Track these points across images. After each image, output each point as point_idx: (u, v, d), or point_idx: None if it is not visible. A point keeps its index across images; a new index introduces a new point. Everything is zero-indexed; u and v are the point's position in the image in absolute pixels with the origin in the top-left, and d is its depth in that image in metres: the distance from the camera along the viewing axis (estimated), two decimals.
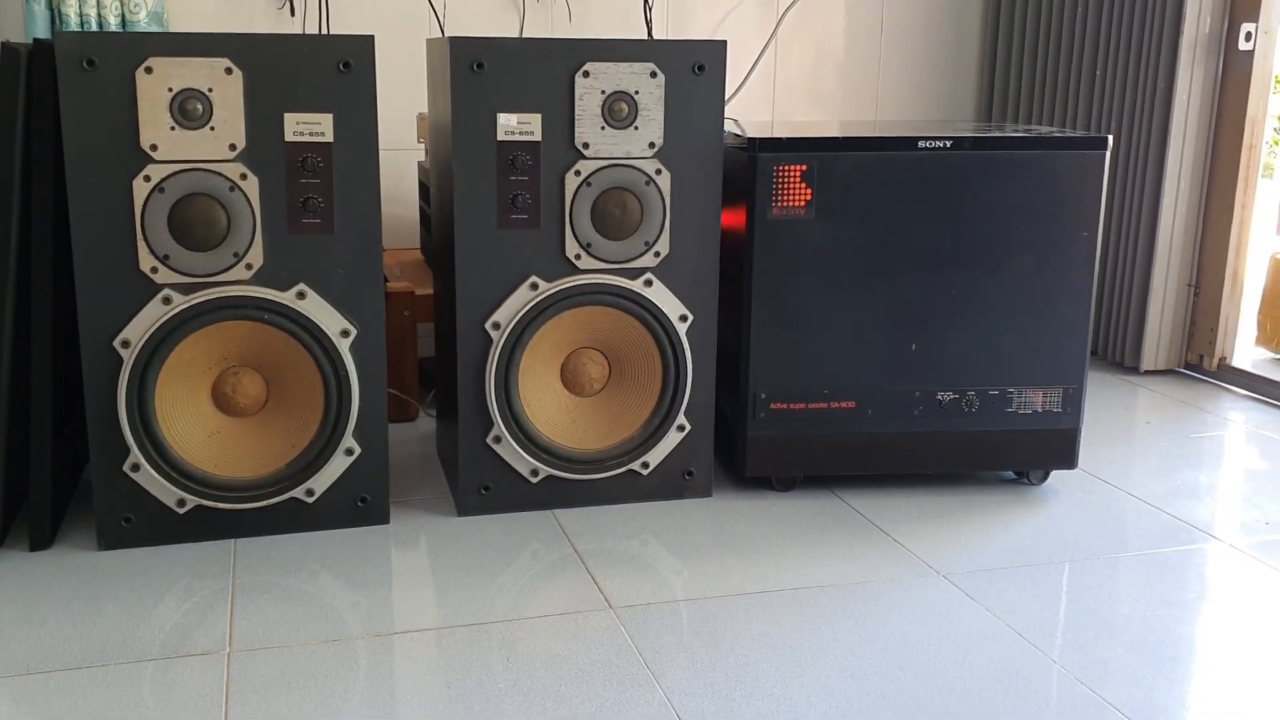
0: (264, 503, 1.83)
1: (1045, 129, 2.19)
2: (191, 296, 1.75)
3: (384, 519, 1.92)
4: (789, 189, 1.93)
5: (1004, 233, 1.99)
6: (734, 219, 2.00)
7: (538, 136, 1.85)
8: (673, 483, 2.04)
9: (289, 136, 1.75)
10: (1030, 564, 1.82)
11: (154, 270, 1.73)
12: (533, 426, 1.95)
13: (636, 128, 1.87)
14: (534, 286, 1.90)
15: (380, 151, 1.80)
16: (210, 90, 1.70)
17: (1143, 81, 2.78)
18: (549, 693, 1.43)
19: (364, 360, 1.84)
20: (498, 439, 1.94)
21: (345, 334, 1.82)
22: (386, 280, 1.97)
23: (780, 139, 1.93)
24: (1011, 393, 2.05)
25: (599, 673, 1.48)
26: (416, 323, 2.42)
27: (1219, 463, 2.32)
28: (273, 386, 1.84)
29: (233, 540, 1.84)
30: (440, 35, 2.86)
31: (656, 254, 1.93)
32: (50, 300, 1.75)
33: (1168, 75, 2.72)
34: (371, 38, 1.75)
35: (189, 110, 1.70)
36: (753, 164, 1.92)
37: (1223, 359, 2.85)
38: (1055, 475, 2.18)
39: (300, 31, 2.77)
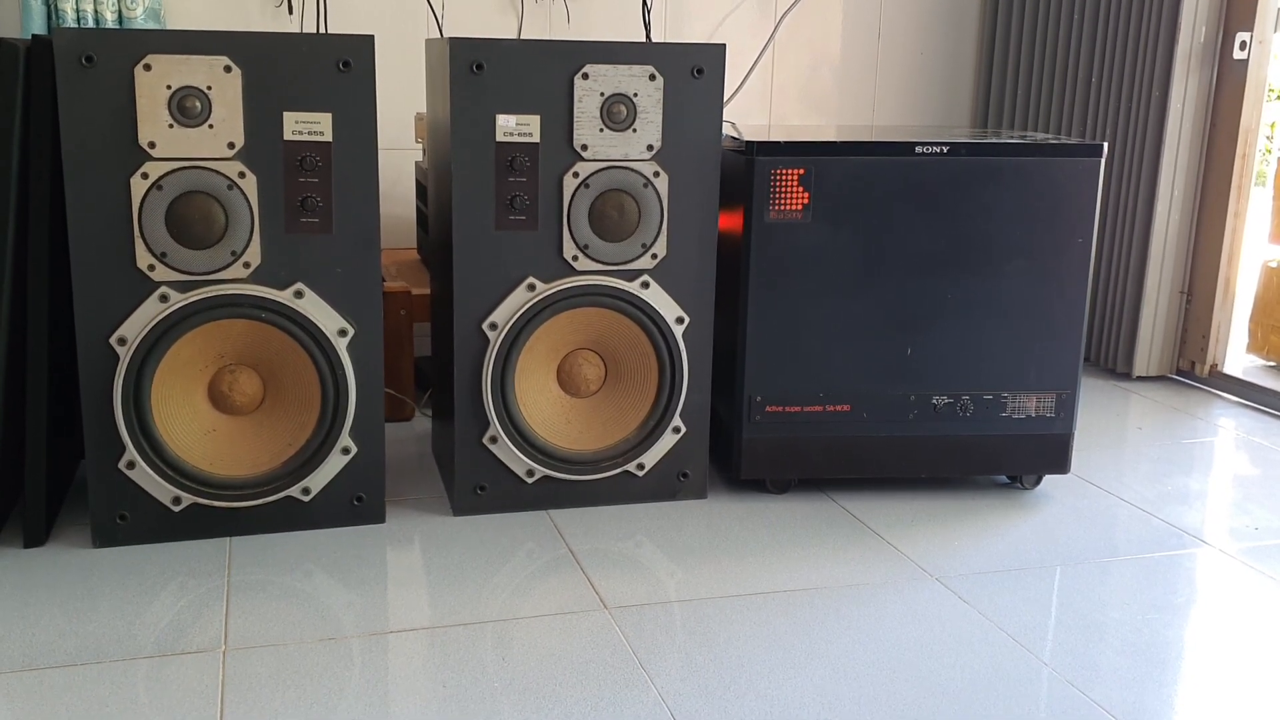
0: (260, 501, 1.83)
1: (1041, 136, 2.21)
2: (189, 294, 1.75)
3: (380, 518, 1.92)
4: (786, 193, 1.94)
5: (999, 238, 2.00)
6: (731, 222, 2.01)
7: (536, 138, 1.85)
8: (668, 484, 2.04)
9: (288, 135, 1.75)
10: (1022, 568, 1.83)
11: (151, 268, 1.73)
12: (529, 427, 1.95)
13: (635, 130, 1.88)
14: (531, 287, 1.90)
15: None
16: (209, 88, 1.70)
17: (1138, 89, 2.80)
18: (544, 692, 1.44)
19: (361, 359, 1.85)
20: (494, 439, 1.94)
21: (343, 333, 1.82)
22: (383, 280, 1.97)
23: (778, 143, 1.94)
24: (1005, 397, 2.06)
25: (594, 672, 1.49)
26: (413, 322, 2.43)
27: (1209, 469, 2.33)
28: (269, 385, 1.84)
29: (228, 538, 1.85)
30: (439, 35, 2.86)
31: (654, 256, 1.94)
32: (46, 296, 1.75)
33: (1163, 83, 2.74)
34: (371, 37, 1.75)
35: (187, 108, 1.70)
36: (750, 167, 1.93)
37: (1214, 366, 2.87)
38: (1048, 480, 2.19)
39: (298, 30, 2.77)
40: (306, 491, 1.86)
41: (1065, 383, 2.07)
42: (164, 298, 1.74)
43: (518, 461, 1.96)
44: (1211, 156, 2.78)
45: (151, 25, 2.58)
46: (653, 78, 1.87)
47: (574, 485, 2.00)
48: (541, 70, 1.83)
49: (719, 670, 1.50)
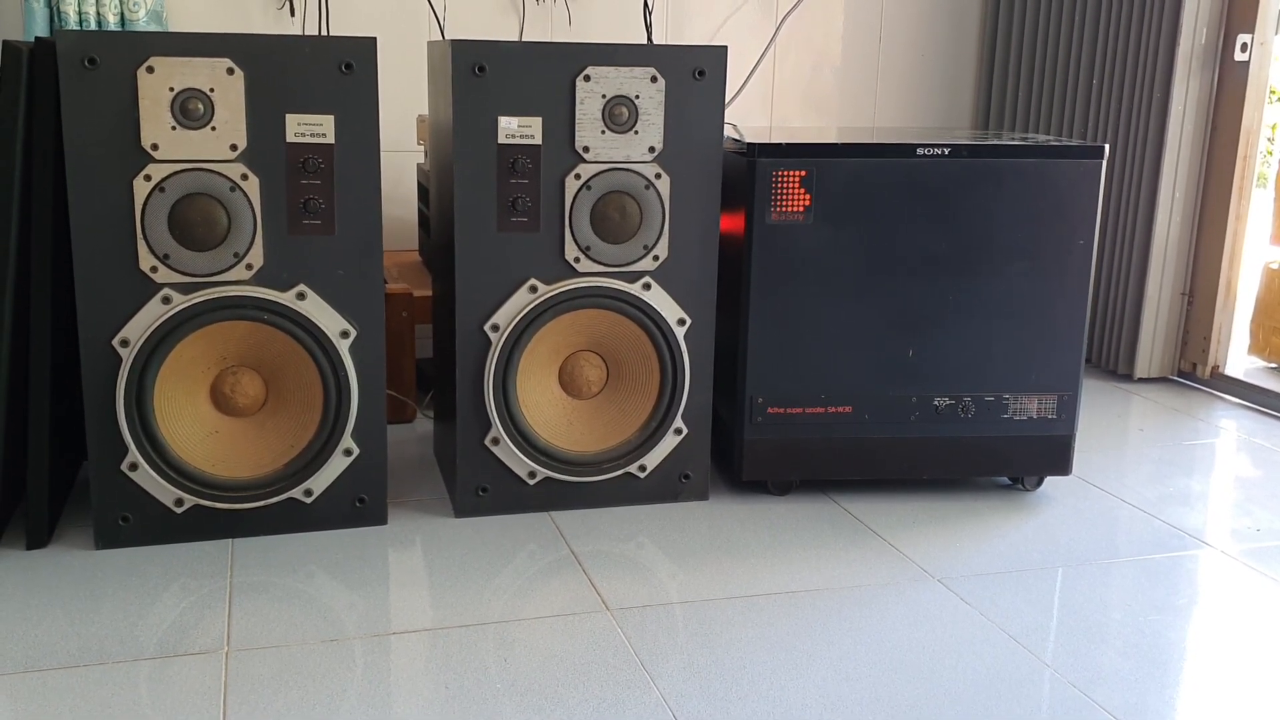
0: (262, 503, 1.84)
1: (1042, 138, 2.21)
2: (191, 296, 1.75)
3: (382, 520, 1.93)
4: (788, 194, 1.94)
5: (1000, 240, 2.00)
6: (732, 224, 2.01)
7: (538, 140, 1.85)
8: (669, 486, 2.04)
9: (290, 137, 1.75)
10: (1024, 569, 1.83)
11: (154, 270, 1.74)
12: (530, 429, 1.96)
13: (636, 132, 1.88)
14: (533, 289, 1.90)
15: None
16: (212, 90, 1.70)
17: (1139, 91, 2.80)
18: (545, 693, 1.44)
19: (363, 361, 1.85)
20: (495, 441, 1.94)
21: (345, 335, 1.83)
22: (385, 281, 1.97)
23: (779, 145, 1.94)
24: (1007, 399, 2.06)
25: (595, 674, 1.49)
26: (415, 324, 2.43)
27: (1211, 470, 2.33)
28: (272, 387, 1.84)
29: (230, 540, 1.85)
30: (440, 37, 2.86)
31: (655, 258, 1.94)
32: (49, 298, 1.75)
33: (1164, 85, 2.74)
34: (374, 40, 1.75)
35: (190, 110, 1.70)
36: (752, 169, 1.93)
37: (1216, 367, 2.87)
38: (1049, 481, 2.19)
39: (299, 32, 2.78)
40: (309, 493, 1.86)
41: (1067, 384, 2.07)
42: (166, 300, 1.75)
43: (519, 463, 1.96)
44: (1212, 158, 2.78)
45: (154, 27, 2.59)
46: (654, 79, 1.87)
47: (576, 487, 2.00)
48: (543, 72, 1.83)
49: (721, 671, 1.50)
